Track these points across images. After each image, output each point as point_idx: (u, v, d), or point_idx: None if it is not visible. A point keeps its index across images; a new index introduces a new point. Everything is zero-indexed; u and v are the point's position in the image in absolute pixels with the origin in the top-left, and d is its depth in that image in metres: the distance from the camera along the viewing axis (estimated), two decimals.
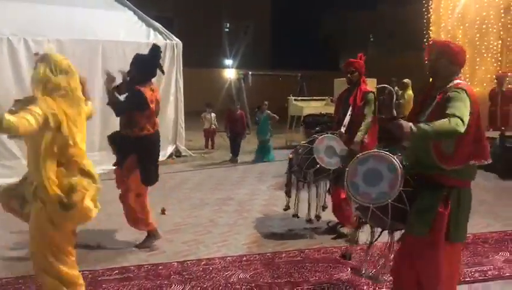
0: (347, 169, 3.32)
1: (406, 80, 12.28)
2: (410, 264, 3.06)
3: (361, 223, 3.55)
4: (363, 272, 3.74)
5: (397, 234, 3.26)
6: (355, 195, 3.18)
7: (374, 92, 5.01)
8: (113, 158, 4.70)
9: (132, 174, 4.48)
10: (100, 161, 7.21)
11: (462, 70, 3.18)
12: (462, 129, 2.72)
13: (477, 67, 11.36)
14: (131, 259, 4.30)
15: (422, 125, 2.77)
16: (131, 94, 4.49)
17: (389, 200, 3.03)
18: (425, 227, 2.94)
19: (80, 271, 3.79)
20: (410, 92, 12.28)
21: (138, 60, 4.60)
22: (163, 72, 5.10)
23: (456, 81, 2.99)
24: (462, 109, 2.79)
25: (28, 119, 2.65)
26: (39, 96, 2.80)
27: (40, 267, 2.96)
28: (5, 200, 3.09)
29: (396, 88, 12.84)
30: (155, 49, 4.71)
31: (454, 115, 2.74)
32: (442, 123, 2.73)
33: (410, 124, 2.76)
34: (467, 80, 10.49)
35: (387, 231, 3.33)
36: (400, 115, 11.84)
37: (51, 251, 2.91)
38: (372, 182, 3.13)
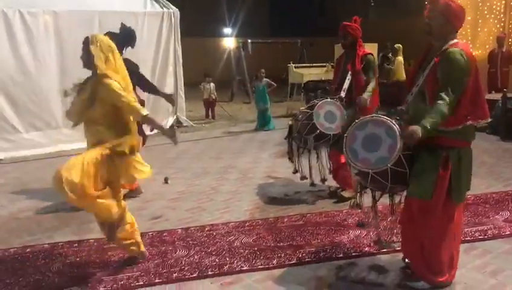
0: (345, 135, 3.31)
1: (396, 45, 12.17)
2: (413, 227, 3.10)
3: (361, 187, 3.58)
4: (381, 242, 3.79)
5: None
6: (354, 161, 3.18)
7: (372, 54, 4.97)
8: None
9: None
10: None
11: (463, 32, 3.15)
12: (451, 105, 2.81)
13: (479, 29, 11.17)
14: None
15: (427, 123, 2.81)
16: None
17: (389, 165, 3.03)
18: (427, 190, 2.96)
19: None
20: (400, 57, 12.20)
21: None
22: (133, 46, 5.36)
23: (453, 41, 2.95)
24: (454, 85, 2.82)
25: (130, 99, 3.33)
26: (106, 71, 3.27)
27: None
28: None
29: (390, 54, 12.76)
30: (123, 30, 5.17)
31: (443, 98, 2.80)
32: (439, 111, 2.80)
33: (417, 128, 2.81)
34: (469, 42, 10.34)
35: (387, 193, 3.37)
36: (390, 81, 11.84)
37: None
38: (371, 148, 3.12)
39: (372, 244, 3.82)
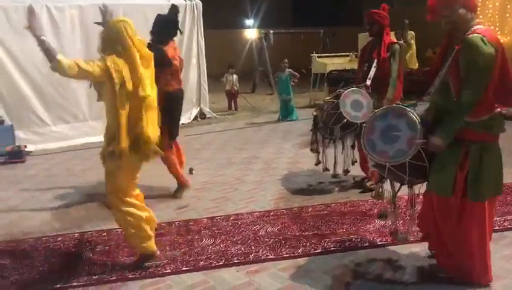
0: (364, 125, 3.27)
1: (409, 32, 11.89)
2: (434, 221, 3.05)
3: (381, 178, 3.55)
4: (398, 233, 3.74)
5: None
6: (371, 153, 3.12)
7: (398, 43, 4.90)
8: None
9: None
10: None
11: (492, 19, 3.05)
12: (475, 98, 2.72)
13: (508, 15, 10.86)
14: (162, 216, 4.42)
15: (445, 128, 2.79)
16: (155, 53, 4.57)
17: (407, 159, 2.96)
18: (446, 186, 2.88)
19: (114, 229, 3.99)
20: (413, 44, 11.92)
21: (158, 20, 4.73)
22: (181, 32, 5.18)
23: (475, 27, 2.82)
24: (478, 73, 2.73)
25: (79, 65, 2.96)
26: (105, 55, 3.11)
27: (113, 207, 3.37)
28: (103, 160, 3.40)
29: (401, 41, 12.50)
30: (172, 9, 4.90)
31: (468, 89, 2.72)
32: (463, 104, 2.74)
33: (438, 138, 2.79)
34: (497, 28, 10.07)
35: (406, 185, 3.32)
36: (407, 70, 11.62)
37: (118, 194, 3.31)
38: (390, 140, 3.05)
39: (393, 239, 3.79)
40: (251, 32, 19.09)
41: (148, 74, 3.27)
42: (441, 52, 3.09)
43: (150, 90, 3.25)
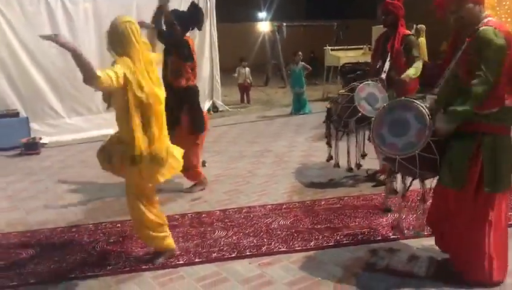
0: (373, 118, 3.25)
1: (419, 26, 11.73)
2: (445, 216, 3.01)
3: (392, 172, 3.52)
4: (401, 229, 3.71)
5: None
6: (381, 146, 3.11)
7: (414, 35, 4.84)
8: None
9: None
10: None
11: (509, 11, 3.00)
12: (486, 90, 2.67)
13: None
14: (175, 208, 4.46)
15: (450, 110, 2.74)
16: (182, 46, 4.58)
17: (416, 152, 2.93)
18: (458, 179, 2.85)
19: (128, 221, 4.02)
20: (423, 38, 11.77)
21: (177, 15, 4.70)
22: (200, 29, 5.15)
23: (486, 20, 2.78)
24: (490, 65, 2.67)
25: (110, 76, 2.86)
26: (117, 57, 3.01)
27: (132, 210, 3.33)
28: (101, 159, 3.33)
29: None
30: (194, 8, 4.82)
31: (478, 80, 2.67)
32: (473, 95, 2.68)
33: (441, 119, 2.75)
34: None
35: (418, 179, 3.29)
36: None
37: (140, 199, 3.27)
38: (399, 132, 3.03)
39: (411, 227, 3.76)
40: (264, 25, 19.00)
41: (153, 78, 3.15)
42: (450, 45, 3.06)
43: (154, 97, 3.12)
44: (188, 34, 4.85)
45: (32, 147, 7.12)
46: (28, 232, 4.07)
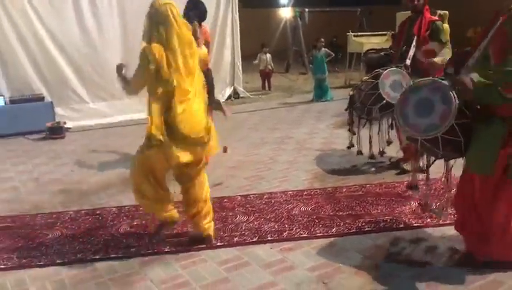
0: (398, 97, 3.19)
1: (442, 12, 11.43)
2: (471, 201, 2.97)
3: (416, 152, 3.44)
4: (428, 206, 3.67)
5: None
6: (404, 126, 3.06)
7: (440, 20, 4.73)
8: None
9: None
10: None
11: None
12: None
13: None
14: None
15: (479, 74, 2.64)
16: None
17: (439, 134, 2.88)
18: (487, 165, 2.79)
19: None
20: (446, 24, 11.47)
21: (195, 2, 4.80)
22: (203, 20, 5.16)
23: None
24: None
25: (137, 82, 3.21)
26: (145, 44, 3.10)
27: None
28: None
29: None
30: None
31: None
32: (506, 70, 2.58)
33: (467, 77, 2.65)
34: None
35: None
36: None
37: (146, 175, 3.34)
38: (423, 113, 2.95)
39: (434, 215, 3.71)
40: (286, 11, 18.80)
41: (192, 62, 3.21)
42: (485, 29, 2.98)
43: (191, 81, 3.20)
44: (207, 23, 4.94)
45: (57, 131, 7.25)
46: (54, 213, 4.16)
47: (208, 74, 4.89)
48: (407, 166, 4.86)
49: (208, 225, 3.45)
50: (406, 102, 3.07)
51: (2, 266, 3.25)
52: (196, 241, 3.44)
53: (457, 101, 2.83)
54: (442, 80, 2.98)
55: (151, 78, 3.09)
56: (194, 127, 3.20)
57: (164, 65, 3.06)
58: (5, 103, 7.52)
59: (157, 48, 3.06)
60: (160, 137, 3.10)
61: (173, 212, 3.54)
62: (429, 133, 2.93)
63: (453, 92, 2.86)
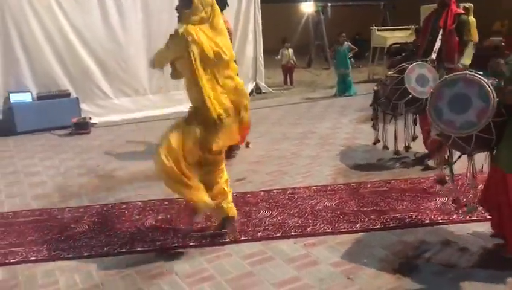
0: (432, 91, 3.11)
1: (468, 5, 11.15)
2: (506, 200, 2.89)
3: (440, 146, 3.36)
4: (460, 202, 3.60)
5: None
6: (437, 121, 2.97)
7: (466, 14, 4.64)
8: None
9: None
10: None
11: None
12: None
13: None
14: None
15: None
16: None
17: (475, 132, 2.80)
18: None
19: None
20: (471, 17, 11.19)
21: None
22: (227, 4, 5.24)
23: None
24: None
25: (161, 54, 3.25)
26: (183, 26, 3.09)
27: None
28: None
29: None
30: None
31: None
32: None
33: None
34: None
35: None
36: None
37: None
38: (459, 109, 2.87)
39: (460, 211, 3.65)
40: (308, 6, 18.66)
41: (226, 43, 3.26)
42: None
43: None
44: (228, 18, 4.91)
45: (82, 127, 7.38)
46: (81, 207, 4.25)
47: None
48: (432, 162, 4.78)
49: (230, 206, 3.50)
50: (440, 96, 2.98)
51: (32, 258, 3.34)
52: (220, 235, 3.46)
53: (495, 98, 2.75)
54: (478, 73, 2.89)
55: (196, 59, 3.06)
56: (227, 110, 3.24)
57: (205, 43, 3.07)
58: (33, 99, 7.69)
59: (194, 29, 3.07)
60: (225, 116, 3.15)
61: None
62: (465, 130, 2.84)
63: (491, 87, 2.79)
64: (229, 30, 4.94)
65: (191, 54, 3.04)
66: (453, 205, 3.59)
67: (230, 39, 4.95)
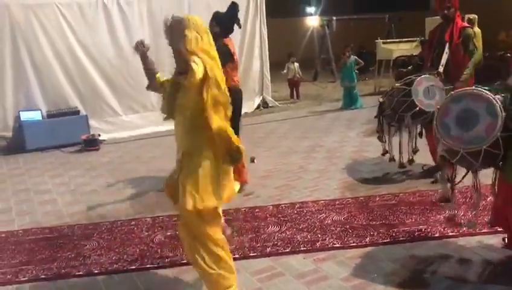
0: (438, 107, 3.13)
1: (472, 16, 11.17)
2: (506, 209, 2.89)
3: (444, 162, 3.37)
4: (457, 218, 3.60)
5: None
6: (445, 138, 2.98)
7: (471, 27, 4.66)
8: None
9: None
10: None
11: None
12: None
13: None
14: (229, 203, 4.52)
15: None
16: (219, 49, 4.61)
17: (484, 147, 2.80)
18: None
19: None
20: (476, 28, 11.18)
21: (218, 17, 4.73)
22: (240, 26, 5.16)
23: None
24: None
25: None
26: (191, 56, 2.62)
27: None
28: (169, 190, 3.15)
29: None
30: (233, 8, 4.87)
31: None
32: None
33: None
34: None
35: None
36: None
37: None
38: (466, 125, 2.89)
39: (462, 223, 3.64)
40: (313, 20, 18.80)
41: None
42: None
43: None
44: (234, 33, 4.92)
45: (92, 144, 7.45)
46: (91, 224, 4.28)
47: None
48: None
49: None
50: (447, 112, 3.00)
51: (43, 276, 3.36)
52: None
53: (503, 112, 2.76)
54: (486, 89, 2.92)
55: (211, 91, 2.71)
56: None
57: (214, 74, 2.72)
58: (43, 117, 7.78)
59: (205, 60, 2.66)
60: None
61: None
62: (474, 145, 2.85)
63: (499, 102, 2.79)
64: (234, 54, 5.00)
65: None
66: (448, 223, 3.60)
67: (235, 60, 4.93)
